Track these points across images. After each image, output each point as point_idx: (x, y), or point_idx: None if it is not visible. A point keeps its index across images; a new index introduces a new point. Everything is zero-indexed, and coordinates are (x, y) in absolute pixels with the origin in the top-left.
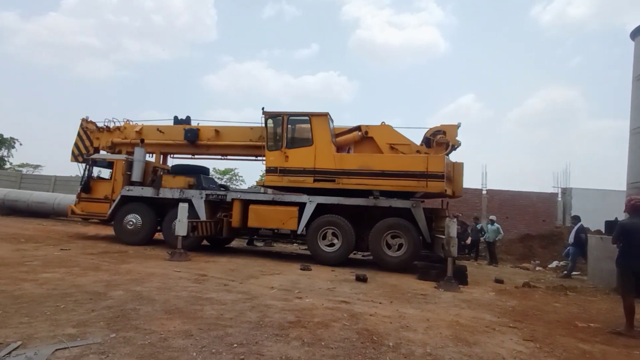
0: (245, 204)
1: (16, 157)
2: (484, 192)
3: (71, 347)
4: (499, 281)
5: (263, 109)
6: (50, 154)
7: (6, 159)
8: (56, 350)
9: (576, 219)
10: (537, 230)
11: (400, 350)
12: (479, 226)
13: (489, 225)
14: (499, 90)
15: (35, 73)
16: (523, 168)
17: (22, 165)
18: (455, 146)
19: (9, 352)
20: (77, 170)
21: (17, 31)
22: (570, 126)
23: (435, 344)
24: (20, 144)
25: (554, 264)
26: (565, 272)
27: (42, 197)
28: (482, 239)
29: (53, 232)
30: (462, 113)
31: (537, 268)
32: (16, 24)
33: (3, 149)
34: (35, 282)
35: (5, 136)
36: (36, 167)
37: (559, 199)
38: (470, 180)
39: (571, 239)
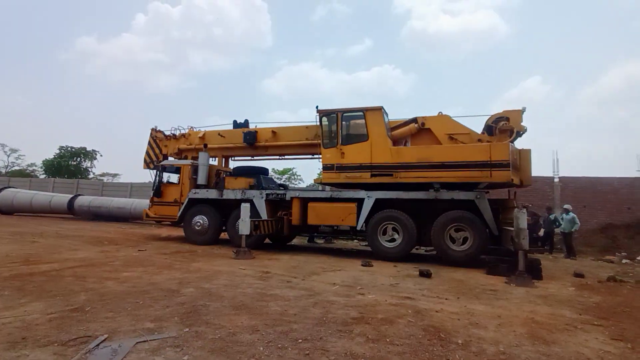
0: (304, 202)
1: (97, 167)
2: (556, 179)
3: (150, 340)
4: (578, 275)
5: (317, 107)
6: (127, 162)
7: (89, 169)
8: (137, 343)
9: None
10: (622, 219)
11: (470, 349)
12: (552, 216)
13: (564, 215)
14: (568, 69)
15: (112, 90)
16: (601, 152)
17: (103, 175)
18: (520, 132)
19: (97, 345)
20: (149, 176)
21: (95, 53)
22: None
23: (509, 342)
24: (101, 155)
25: None
26: None
27: (121, 203)
28: (556, 230)
29: (131, 235)
30: (527, 97)
31: (624, 261)
32: (94, 46)
33: (87, 160)
34: (117, 280)
35: (88, 149)
36: (115, 175)
37: None
38: (540, 168)
39: None
